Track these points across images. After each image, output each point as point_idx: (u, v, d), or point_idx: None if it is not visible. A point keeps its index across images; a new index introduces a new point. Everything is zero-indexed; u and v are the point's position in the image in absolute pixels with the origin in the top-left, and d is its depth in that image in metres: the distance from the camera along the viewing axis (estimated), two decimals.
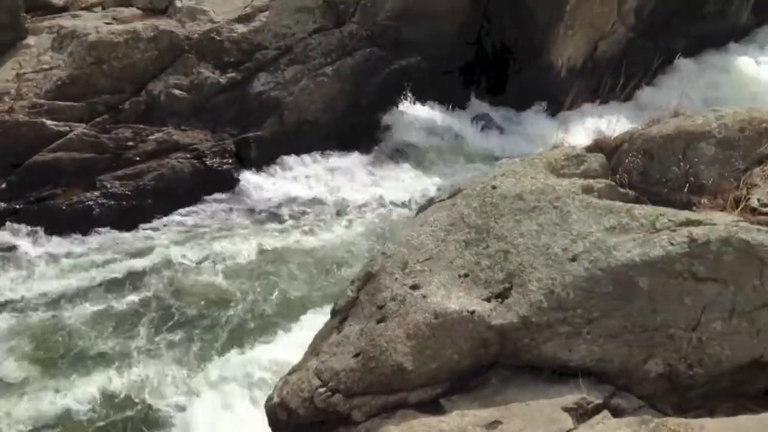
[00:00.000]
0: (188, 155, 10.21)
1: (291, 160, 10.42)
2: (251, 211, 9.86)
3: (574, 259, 4.85)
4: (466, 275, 5.04)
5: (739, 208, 5.34)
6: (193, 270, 8.72)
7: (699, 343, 4.68)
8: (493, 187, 5.42)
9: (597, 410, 4.52)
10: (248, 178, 10.18)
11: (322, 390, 4.99)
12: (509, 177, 5.46)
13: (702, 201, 5.48)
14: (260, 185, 10.11)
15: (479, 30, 11.08)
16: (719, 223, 4.91)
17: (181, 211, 9.79)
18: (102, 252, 9.01)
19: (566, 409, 4.49)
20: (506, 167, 5.76)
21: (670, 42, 12.18)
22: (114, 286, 8.47)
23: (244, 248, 9.08)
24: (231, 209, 9.89)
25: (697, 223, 4.91)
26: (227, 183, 10.17)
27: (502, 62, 11.03)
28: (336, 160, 10.52)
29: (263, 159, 10.41)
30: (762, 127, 5.77)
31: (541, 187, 5.30)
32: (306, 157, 10.45)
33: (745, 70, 11.99)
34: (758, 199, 5.38)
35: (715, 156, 5.60)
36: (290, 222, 9.63)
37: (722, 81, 11.89)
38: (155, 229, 9.50)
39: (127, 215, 9.59)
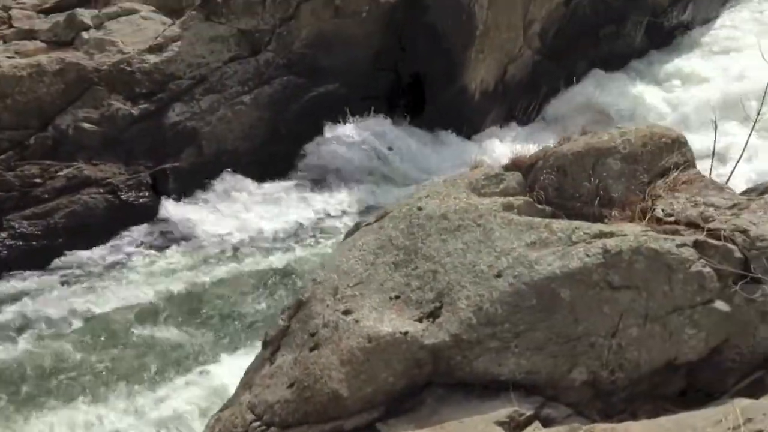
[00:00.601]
0: (101, 190, 9.95)
1: (210, 191, 10.30)
2: (170, 243, 9.68)
3: (499, 275, 5.02)
4: (397, 297, 5.13)
5: (646, 219, 5.66)
6: (106, 308, 8.50)
7: (618, 349, 4.91)
8: (419, 209, 5.55)
9: (528, 422, 4.67)
10: (166, 210, 9.99)
11: (256, 424, 4.94)
12: (433, 198, 5.60)
13: (613, 213, 5.78)
14: (179, 218, 9.94)
15: (395, 56, 11.32)
16: (629, 233, 5.19)
17: (97, 248, 9.52)
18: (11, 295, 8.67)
19: (499, 423, 4.61)
20: (430, 188, 5.91)
21: (572, 63, 12.79)
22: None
23: (162, 283, 8.90)
24: (149, 243, 9.68)
25: (610, 234, 5.17)
26: (145, 217, 9.96)
27: (418, 87, 11.29)
28: (256, 189, 10.47)
29: (182, 190, 10.26)
30: (662, 141, 6.14)
31: (464, 206, 5.46)
32: (226, 187, 10.35)
33: (641, 89, 12.68)
34: (662, 210, 5.72)
35: (621, 170, 5.91)
36: (211, 254, 9.50)
37: (621, 99, 12.52)
38: (68, 268, 9.21)
39: (39, 256, 9.25)
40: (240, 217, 9.92)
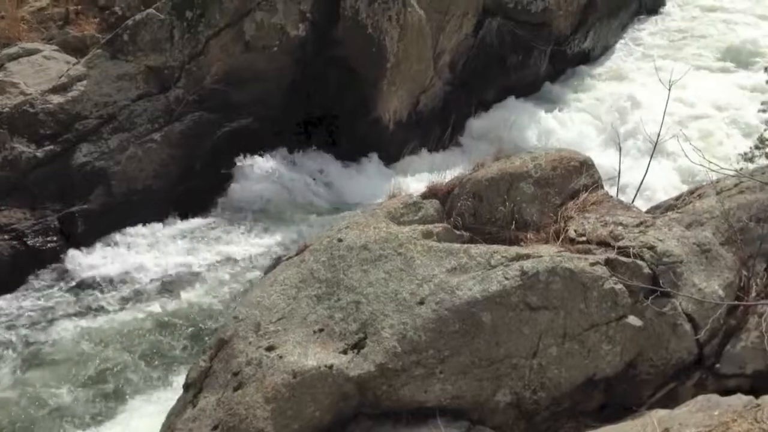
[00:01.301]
0: (6, 236, 9.50)
1: (123, 232, 9.99)
2: (81, 289, 9.30)
3: (422, 302, 5.07)
4: (321, 330, 5.10)
5: (560, 240, 5.84)
6: (10, 360, 8.08)
7: (540, 368, 5.02)
8: (339, 240, 5.56)
9: None
10: (76, 255, 9.60)
11: None
12: (353, 229, 5.63)
13: (528, 236, 5.93)
14: (90, 262, 9.57)
15: (308, 89, 11.36)
16: (545, 255, 5.34)
17: (2, 297, 9.07)
18: None
19: None
20: (349, 219, 5.93)
21: (482, 93, 13.16)
22: None
23: (69, 331, 8.54)
24: (58, 290, 9.28)
25: (526, 256, 5.31)
26: (53, 263, 9.55)
27: (333, 118, 11.35)
28: (172, 227, 10.21)
29: (92, 234, 9.90)
30: (571, 165, 6.38)
31: (384, 235, 5.51)
32: (140, 227, 10.06)
33: (549, 114, 13.14)
34: (575, 230, 5.91)
35: (534, 194, 6.10)
36: (126, 298, 9.17)
37: (531, 125, 12.94)
38: None
39: None
40: (154, 257, 9.63)
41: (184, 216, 10.39)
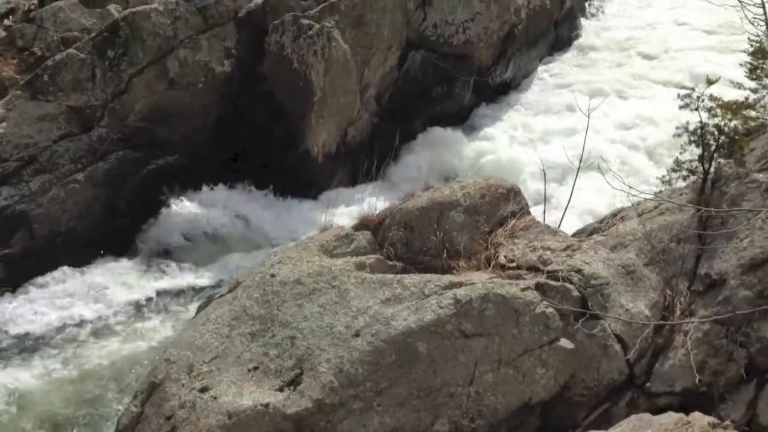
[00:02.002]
0: None
1: (47, 276, 9.62)
2: (1, 339, 8.88)
3: (357, 335, 5.05)
4: (256, 368, 5.01)
5: (491, 266, 5.94)
6: None
7: (476, 396, 5.06)
8: (272, 276, 5.50)
9: None
10: None
11: None
12: (286, 263, 5.58)
13: (460, 264, 6.01)
14: (11, 311, 9.18)
15: (235, 124, 11.28)
16: (477, 281, 5.41)
17: None
18: None
19: None
20: (282, 254, 5.89)
21: (409, 123, 13.32)
22: None
23: None
24: None
25: (459, 284, 5.37)
26: None
27: (262, 153, 11.27)
28: (98, 269, 9.90)
29: (13, 280, 9.51)
30: (499, 192, 6.52)
31: (317, 269, 5.48)
32: (65, 270, 9.71)
33: (474, 144, 13.40)
34: (505, 256, 6.03)
35: (464, 222, 6.20)
36: (50, 345, 8.79)
37: (458, 154, 13.15)
38: None
39: None
40: (78, 301, 9.29)
41: (110, 257, 10.09)
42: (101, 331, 9.02)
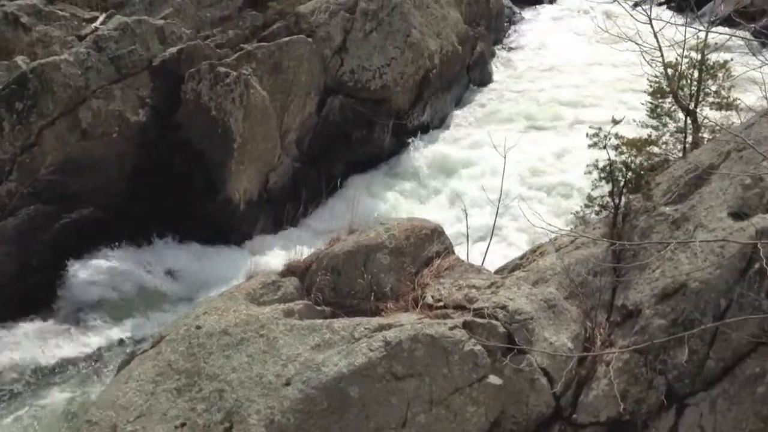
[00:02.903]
0: None
1: None
2: None
3: (288, 383, 4.98)
4: (183, 424, 4.86)
5: (419, 307, 5.99)
6: None
7: None
8: (197, 327, 5.38)
9: None
10: None
11: None
12: (212, 314, 5.47)
13: (388, 305, 6.04)
14: None
15: (152, 174, 11.06)
16: (406, 323, 5.44)
17: None
18: None
19: None
20: (207, 305, 5.77)
21: (331, 168, 13.42)
22: None
23: None
24: None
25: (388, 326, 5.39)
26: None
27: (182, 201, 11.08)
28: (9, 330, 9.42)
29: None
30: (423, 233, 6.62)
31: (245, 318, 5.40)
32: None
33: (396, 185, 13.60)
34: (432, 296, 6.10)
35: (390, 264, 6.25)
36: None
37: (380, 196, 13.30)
38: None
39: None
40: None
41: (20, 317, 9.62)
42: (17, 395, 8.56)
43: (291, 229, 11.57)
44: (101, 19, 11.74)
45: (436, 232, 6.71)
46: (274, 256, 10.24)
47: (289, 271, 6.26)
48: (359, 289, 6.00)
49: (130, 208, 10.88)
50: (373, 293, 5.99)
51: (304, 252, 6.61)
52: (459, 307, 5.79)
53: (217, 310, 5.52)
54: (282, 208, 11.62)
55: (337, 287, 6.03)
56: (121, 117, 10.91)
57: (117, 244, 10.59)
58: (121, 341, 9.37)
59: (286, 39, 12.52)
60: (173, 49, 11.44)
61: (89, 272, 10.17)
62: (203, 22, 12.72)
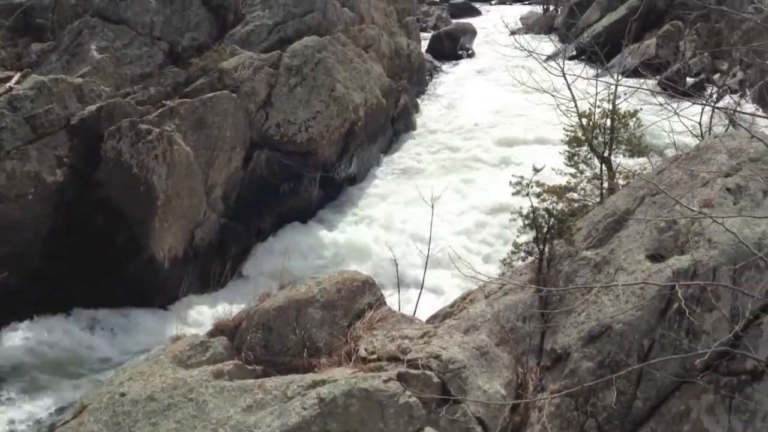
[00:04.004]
0: None
1: None
2: None
3: None
4: None
5: (352, 361, 5.94)
6: None
7: None
8: (122, 395, 5.17)
9: None
10: None
11: None
12: (137, 380, 5.27)
13: (321, 361, 5.97)
14: None
15: (71, 236, 10.68)
16: (340, 378, 5.38)
17: None
18: None
19: None
20: (131, 370, 5.56)
21: (259, 222, 13.30)
22: None
23: None
24: None
25: (322, 382, 5.31)
26: None
27: (103, 263, 10.71)
28: None
29: None
30: (354, 285, 6.61)
31: (172, 383, 5.22)
32: None
33: (326, 237, 13.56)
34: (365, 349, 6.06)
35: (322, 318, 6.20)
36: None
37: (310, 249, 13.23)
38: None
39: None
40: None
41: None
42: None
43: (220, 286, 11.32)
44: (16, 78, 11.42)
45: (368, 284, 6.71)
46: (202, 314, 10.00)
47: (218, 330, 6.12)
48: (291, 345, 5.91)
49: (47, 272, 10.45)
50: (305, 349, 5.91)
51: (233, 310, 6.49)
52: (393, 359, 5.76)
53: (143, 375, 5.33)
54: (209, 266, 11.38)
55: (269, 345, 5.92)
56: (38, 178, 10.54)
57: (35, 310, 10.11)
58: (39, 414, 8.85)
59: (210, 95, 12.48)
60: (92, 107, 11.21)
61: (4, 341, 9.65)
62: (123, 80, 12.56)
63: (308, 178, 14.25)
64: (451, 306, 7.74)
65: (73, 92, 11.30)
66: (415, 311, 7.56)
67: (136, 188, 10.95)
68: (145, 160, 10.96)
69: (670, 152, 8.74)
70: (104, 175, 10.96)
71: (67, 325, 10.18)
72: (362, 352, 5.92)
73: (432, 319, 7.63)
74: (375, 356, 5.83)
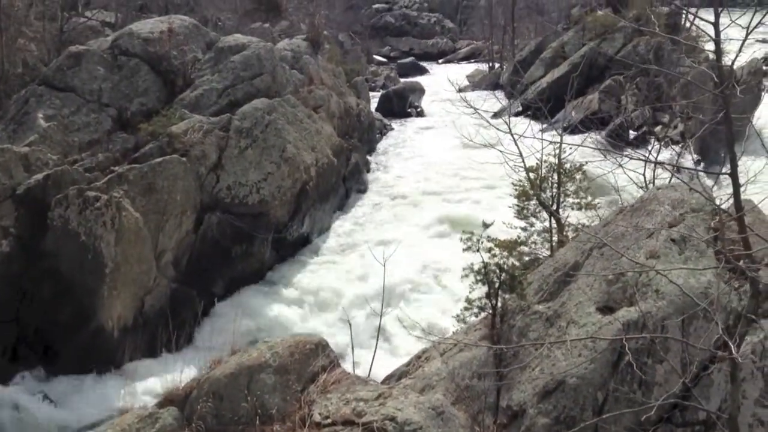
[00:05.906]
0: None
1: None
2: None
3: None
4: None
5: (306, 426, 5.82)
6: None
7: None
8: None
9: None
10: None
11: None
12: None
13: (274, 428, 5.83)
14: None
15: (16, 306, 10.36)
16: None
17: None
18: None
19: None
20: None
21: (211, 286, 13.09)
22: None
23: None
24: None
25: None
26: None
27: (51, 332, 10.38)
28: None
29: None
30: (307, 348, 6.53)
31: None
32: None
33: (278, 300, 13.39)
34: (319, 413, 5.95)
35: (275, 384, 6.08)
36: None
37: (262, 312, 13.04)
38: None
39: None
40: None
41: None
42: None
43: (170, 353, 11.03)
44: None
45: (321, 346, 6.64)
46: (153, 382, 9.69)
47: (168, 400, 5.95)
48: (243, 413, 5.78)
49: None
50: (257, 416, 5.78)
51: (183, 378, 6.33)
52: (348, 423, 5.67)
53: None
54: (159, 333, 11.11)
55: (220, 413, 5.77)
56: None
57: None
58: None
59: (159, 159, 12.41)
60: (39, 176, 11.03)
61: None
62: (71, 147, 12.43)
63: (260, 239, 14.15)
64: (407, 365, 7.68)
65: (19, 161, 11.13)
66: (369, 372, 7.49)
67: (84, 257, 10.74)
68: (93, 227, 10.79)
69: (616, 204, 8.97)
70: (51, 245, 10.73)
71: (14, 395, 9.79)
72: (316, 417, 5.82)
73: (388, 379, 7.55)
74: (329, 420, 5.73)
